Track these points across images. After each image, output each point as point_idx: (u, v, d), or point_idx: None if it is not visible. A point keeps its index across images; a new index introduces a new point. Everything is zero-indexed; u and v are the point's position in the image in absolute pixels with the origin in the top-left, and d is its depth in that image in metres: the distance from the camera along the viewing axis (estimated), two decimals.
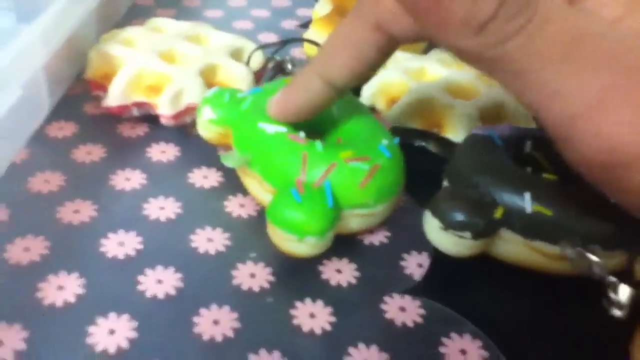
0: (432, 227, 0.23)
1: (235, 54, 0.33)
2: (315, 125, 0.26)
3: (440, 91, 0.30)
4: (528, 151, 0.25)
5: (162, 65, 0.31)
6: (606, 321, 0.20)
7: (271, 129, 0.25)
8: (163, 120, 0.30)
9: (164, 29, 0.34)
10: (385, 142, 0.25)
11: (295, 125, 0.25)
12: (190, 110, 0.30)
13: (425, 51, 0.36)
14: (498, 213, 0.22)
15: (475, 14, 0.16)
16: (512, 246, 0.23)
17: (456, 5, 0.16)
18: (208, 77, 0.31)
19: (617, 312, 0.20)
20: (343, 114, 0.27)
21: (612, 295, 0.20)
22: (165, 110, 0.30)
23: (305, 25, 0.42)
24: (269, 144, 0.25)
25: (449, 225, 0.22)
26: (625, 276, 0.20)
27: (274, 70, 0.34)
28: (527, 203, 0.22)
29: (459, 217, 0.22)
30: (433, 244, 0.23)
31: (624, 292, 0.20)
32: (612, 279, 0.20)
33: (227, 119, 0.27)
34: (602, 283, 0.20)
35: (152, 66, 0.30)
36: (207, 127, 0.27)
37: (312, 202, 0.23)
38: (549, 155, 0.24)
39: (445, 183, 0.25)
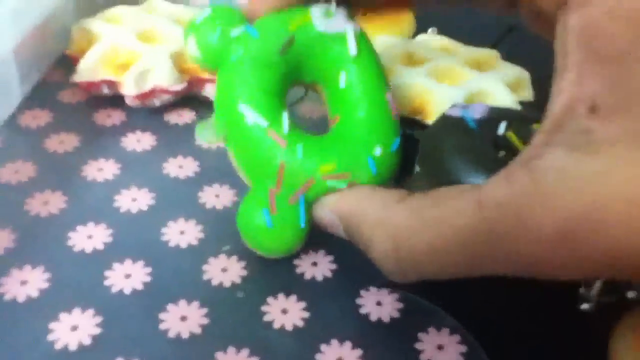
0: None
1: None
2: (319, 75, 0.23)
3: (423, 75, 0.29)
4: (502, 133, 0.23)
5: (135, 43, 0.30)
6: (585, 314, 0.20)
7: (251, 117, 0.22)
8: (128, 101, 0.29)
9: (156, 10, 0.34)
10: (378, 150, 0.22)
11: (280, 89, 0.22)
12: (158, 92, 0.29)
13: (413, 35, 0.35)
14: None
15: None
16: None
17: None
18: (182, 60, 0.30)
19: (585, 306, 0.19)
20: (345, 71, 0.23)
21: (582, 289, 0.19)
22: (128, 89, 0.29)
23: None
24: (247, 135, 0.22)
25: None
26: None
27: None
28: None
29: None
30: None
31: (594, 287, 0.19)
32: None
33: (212, 64, 0.23)
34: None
35: (125, 43, 0.30)
36: (191, 60, 0.24)
37: (283, 224, 0.22)
38: (523, 136, 0.23)
39: (417, 168, 0.24)
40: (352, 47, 0.22)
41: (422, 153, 0.24)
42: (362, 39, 0.23)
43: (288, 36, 0.22)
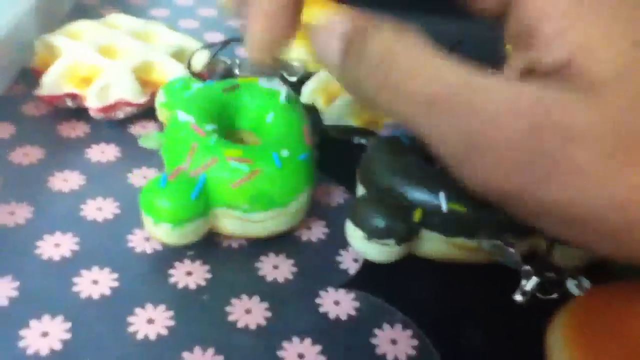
0: (355, 237, 0.23)
1: (179, 54, 0.33)
2: (237, 117, 0.27)
3: None
4: None
5: (97, 58, 0.31)
6: (528, 309, 0.21)
7: (182, 116, 0.25)
8: (92, 113, 0.30)
9: (117, 25, 0.34)
10: (285, 152, 0.24)
11: (219, 116, 0.26)
12: (120, 105, 0.30)
13: None
14: (417, 215, 0.23)
15: None
16: (433, 243, 0.24)
17: None
18: (144, 74, 0.31)
19: (519, 298, 0.21)
20: (274, 112, 0.27)
21: (523, 281, 0.21)
22: (92, 102, 0.30)
23: None
24: (174, 129, 0.26)
25: (371, 234, 0.23)
26: (543, 261, 0.21)
27: (223, 72, 0.34)
28: (442, 202, 0.22)
29: (381, 224, 0.22)
30: (359, 253, 0.24)
31: (531, 282, 0.21)
32: (526, 267, 0.21)
33: (172, 104, 0.28)
34: (518, 271, 0.21)
35: (87, 58, 0.31)
36: (159, 110, 0.29)
37: (175, 190, 0.23)
38: None
39: (360, 189, 0.26)
40: (282, 97, 0.27)
41: (363, 174, 0.25)
42: (292, 95, 0.28)
43: (234, 83, 0.27)
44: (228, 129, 0.27)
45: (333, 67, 0.19)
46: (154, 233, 0.24)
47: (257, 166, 0.24)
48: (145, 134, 0.27)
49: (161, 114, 0.29)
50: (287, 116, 0.27)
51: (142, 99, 0.31)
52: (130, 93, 0.30)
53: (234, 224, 0.25)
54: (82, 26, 0.33)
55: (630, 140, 0.15)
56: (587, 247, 0.18)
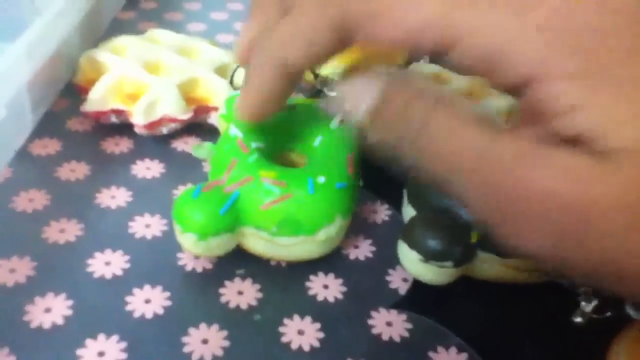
0: (409, 259, 0.23)
1: (222, 69, 0.34)
2: (291, 137, 0.27)
3: None
4: None
5: (143, 75, 0.31)
6: (585, 329, 0.21)
7: (233, 130, 0.25)
8: (137, 130, 0.31)
9: (158, 41, 0.35)
10: (321, 179, 0.24)
11: (269, 134, 0.26)
12: (165, 121, 0.30)
13: (406, 64, 0.37)
14: (474, 237, 0.22)
15: None
16: (487, 265, 0.23)
17: None
18: (188, 90, 0.31)
19: (578, 319, 0.20)
20: (322, 136, 0.26)
21: (582, 303, 0.20)
22: (138, 119, 0.30)
23: None
24: (222, 142, 0.26)
25: (428, 256, 0.22)
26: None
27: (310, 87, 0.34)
28: None
29: (438, 246, 0.22)
30: (413, 276, 0.24)
31: (591, 304, 0.20)
32: (587, 288, 0.20)
33: (229, 117, 0.27)
34: (574, 291, 0.21)
35: (133, 74, 0.31)
36: (219, 121, 0.29)
37: (205, 203, 0.23)
38: None
39: (409, 209, 0.25)
40: (334, 122, 0.26)
41: (414, 195, 0.25)
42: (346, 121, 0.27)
43: (291, 103, 0.27)
44: (279, 149, 0.26)
45: (361, 124, 0.19)
46: (182, 242, 0.24)
47: (289, 190, 0.23)
48: (199, 144, 0.27)
49: (220, 125, 0.29)
50: (333, 142, 0.26)
51: (186, 115, 0.31)
52: (175, 109, 0.30)
53: (262, 245, 0.24)
54: (124, 42, 0.34)
55: None
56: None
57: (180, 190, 0.29)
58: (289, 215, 0.23)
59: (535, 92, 0.16)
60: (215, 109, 0.31)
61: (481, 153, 0.17)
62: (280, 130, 0.26)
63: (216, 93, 0.32)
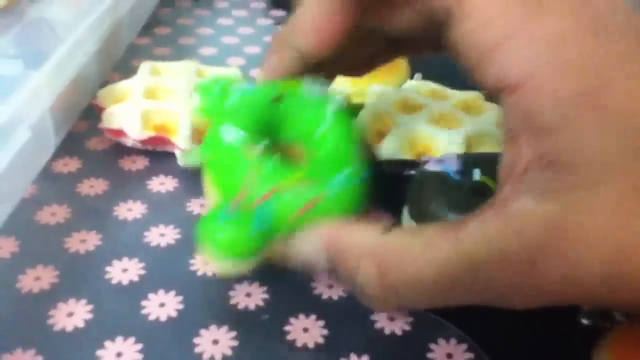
0: None
1: None
2: (291, 129, 0.25)
3: (423, 122, 0.31)
4: (477, 179, 0.25)
5: (164, 104, 0.33)
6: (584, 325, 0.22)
7: (230, 133, 0.23)
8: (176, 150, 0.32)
9: (160, 71, 0.36)
10: (342, 176, 0.23)
11: (264, 130, 0.24)
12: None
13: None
14: None
15: None
16: None
17: None
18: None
19: (585, 321, 0.21)
20: (325, 124, 0.24)
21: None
22: (182, 143, 0.31)
23: None
24: (225, 150, 0.23)
25: None
26: None
27: None
28: None
29: None
30: None
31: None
32: None
33: (210, 112, 0.25)
34: None
35: (156, 107, 0.32)
36: (195, 115, 0.28)
37: (234, 228, 0.22)
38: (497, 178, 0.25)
39: (409, 223, 0.26)
40: (332, 107, 0.24)
41: (415, 210, 0.26)
42: (341, 105, 0.25)
43: (278, 93, 0.25)
44: (273, 142, 0.24)
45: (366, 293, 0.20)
46: (212, 262, 0.24)
47: (322, 190, 0.22)
48: (185, 152, 0.27)
49: (196, 119, 0.28)
50: (336, 130, 0.24)
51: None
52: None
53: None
54: (127, 85, 0.35)
55: None
56: None
57: (193, 203, 0.30)
58: (324, 215, 0.22)
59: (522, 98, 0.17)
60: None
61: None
62: (274, 122, 0.24)
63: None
